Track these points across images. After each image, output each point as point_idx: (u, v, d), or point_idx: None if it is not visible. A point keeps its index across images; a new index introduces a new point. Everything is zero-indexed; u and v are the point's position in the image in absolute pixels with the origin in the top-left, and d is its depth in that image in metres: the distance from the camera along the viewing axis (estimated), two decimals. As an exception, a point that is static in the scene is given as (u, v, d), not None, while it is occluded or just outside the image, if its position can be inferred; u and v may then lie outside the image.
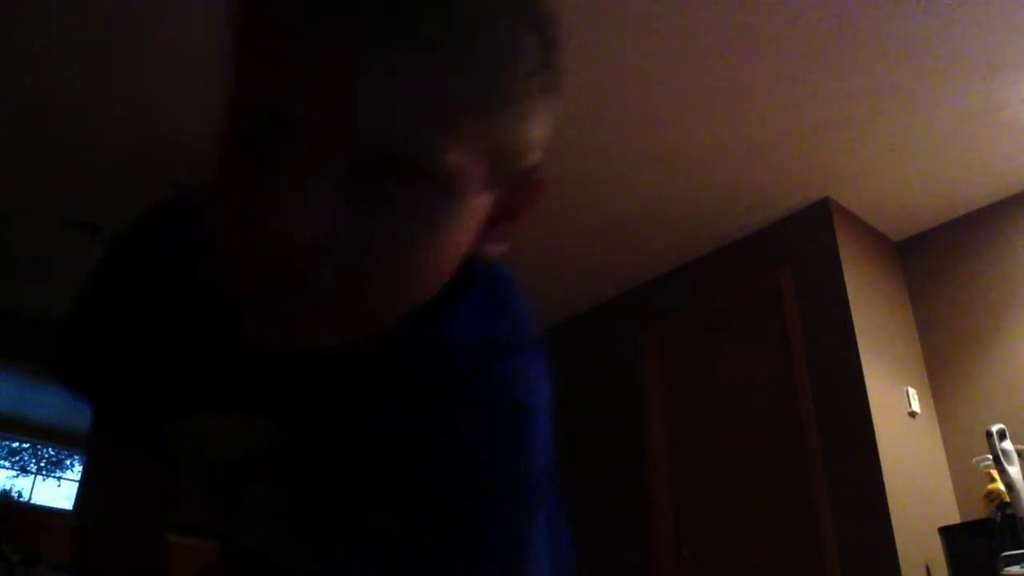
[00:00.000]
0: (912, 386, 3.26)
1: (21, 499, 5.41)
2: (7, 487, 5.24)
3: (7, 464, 5.29)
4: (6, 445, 5.18)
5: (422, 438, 0.53)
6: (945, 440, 3.26)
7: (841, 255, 3.26)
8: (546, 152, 0.50)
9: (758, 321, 3.54)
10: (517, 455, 0.54)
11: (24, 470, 5.61)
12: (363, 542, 0.56)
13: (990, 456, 2.51)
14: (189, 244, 0.55)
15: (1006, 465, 2.45)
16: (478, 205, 0.46)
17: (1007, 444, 2.50)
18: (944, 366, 3.36)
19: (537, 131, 0.47)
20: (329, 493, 0.57)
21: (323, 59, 0.39)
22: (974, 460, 2.79)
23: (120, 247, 0.62)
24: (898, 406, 3.14)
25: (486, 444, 0.53)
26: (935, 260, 3.52)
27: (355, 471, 0.56)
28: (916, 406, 3.20)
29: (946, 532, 2.73)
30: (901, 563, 2.72)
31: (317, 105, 0.39)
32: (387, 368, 0.53)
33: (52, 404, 4.81)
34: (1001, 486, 2.50)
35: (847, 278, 3.22)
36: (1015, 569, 2.31)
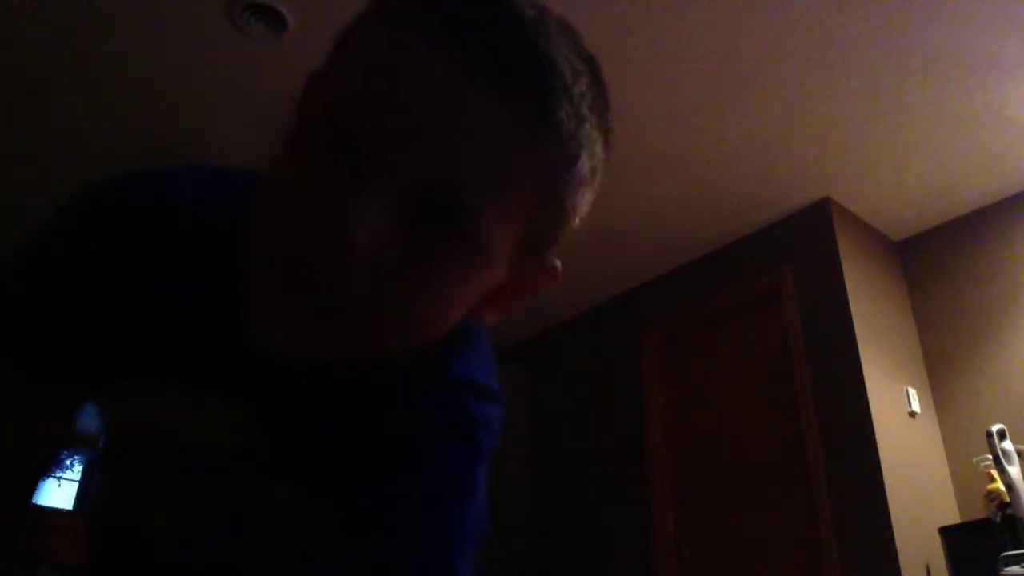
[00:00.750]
0: (912, 386, 3.25)
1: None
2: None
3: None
4: (6, 445, 5.18)
5: (389, 454, 0.57)
6: (945, 440, 3.26)
7: (841, 255, 3.26)
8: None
9: (758, 321, 3.54)
10: (463, 494, 0.59)
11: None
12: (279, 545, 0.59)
13: (990, 456, 2.51)
14: (165, 219, 0.54)
15: (1006, 465, 2.45)
16: (498, 275, 0.49)
17: (1007, 444, 2.50)
18: (944, 366, 3.36)
19: (577, 222, 0.51)
20: (275, 493, 0.59)
21: (424, 99, 0.41)
22: (974, 460, 2.79)
23: (92, 208, 0.58)
24: (898, 406, 3.14)
25: (442, 472, 0.58)
26: (935, 260, 3.52)
27: (307, 475, 0.58)
28: (916, 406, 3.20)
29: (946, 532, 2.72)
30: (901, 563, 2.72)
31: (407, 138, 0.41)
32: (377, 389, 0.56)
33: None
34: (1001, 486, 2.50)
35: (847, 278, 3.22)
36: (1015, 569, 2.31)
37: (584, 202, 0.50)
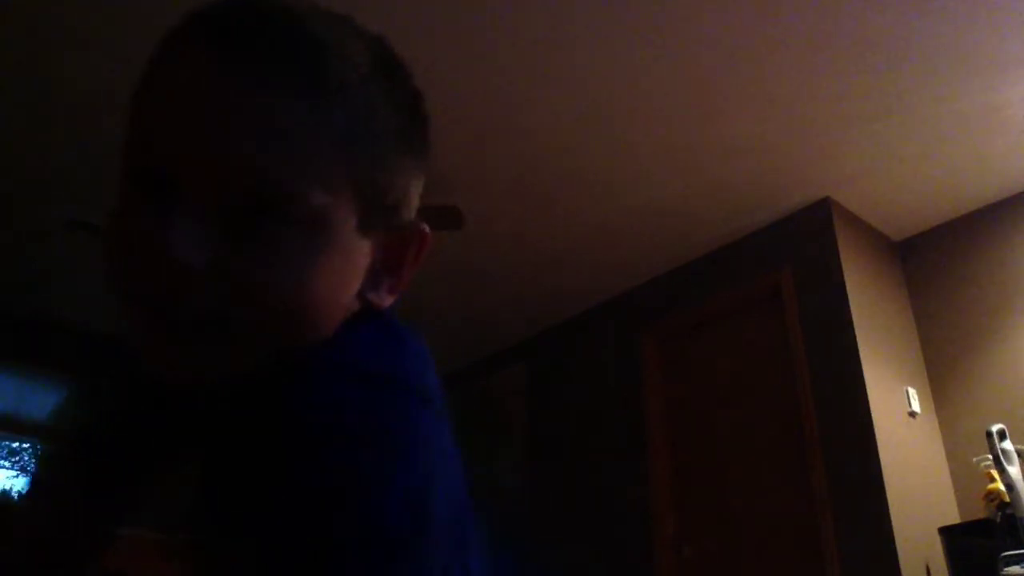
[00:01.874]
0: (912, 386, 3.25)
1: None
2: (7, 487, 5.23)
3: (7, 464, 5.29)
4: (6, 445, 5.18)
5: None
6: (945, 440, 3.26)
7: (841, 255, 3.26)
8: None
9: (758, 321, 3.54)
10: (262, 495, 0.43)
11: (24, 470, 5.61)
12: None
13: (990, 456, 2.51)
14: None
15: (1006, 465, 2.45)
16: (354, 249, 0.49)
17: (1007, 444, 2.50)
18: (944, 366, 3.36)
19: (405, 184, 0.52)
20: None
21: (200, 111, 0.44)
22: (974, 460, 2.79)
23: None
24: (898, 406, 3.14)
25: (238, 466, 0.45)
26: (935, 260, 3.52)
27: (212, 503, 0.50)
28: (916, 406, 3.20)
29: (946, 532, 2.73)
30: (901, 563, 2.72)
31: (194, 154, 0.44)
32: (253, 395, 0.47)
33: (52, 404, 4.80)
34: (1001, 486, 2.50)
35: (847, 278, 3.22)
36: (1015, 569, 2.31)
37: (404, 159, 0.51)
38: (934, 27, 2.53)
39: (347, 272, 0.49)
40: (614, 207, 3.50)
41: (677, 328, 3.87)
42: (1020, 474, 2.45)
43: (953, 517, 3.05)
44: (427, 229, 0.55)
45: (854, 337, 3.09)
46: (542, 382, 4.52)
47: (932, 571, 2.80)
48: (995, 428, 2.51)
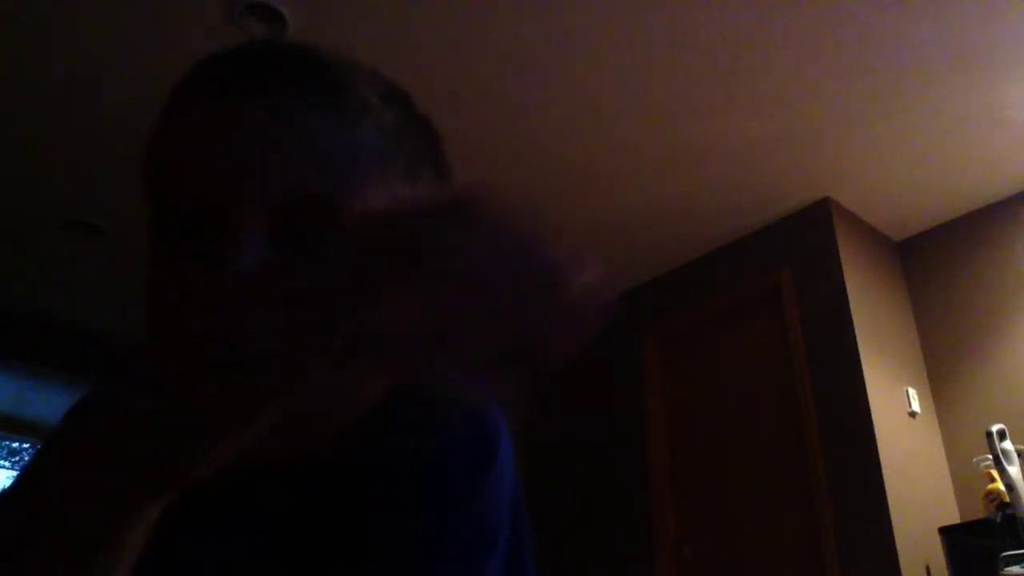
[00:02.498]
0: (912, 386, 3.26)
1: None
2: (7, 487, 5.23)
3: (7, 464, 5.29)
4: (6, 445, 5.19)
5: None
6: (945, 440, 3.26)
7: (841, 255, 3.26)
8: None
9: (758, 321, 3.54)
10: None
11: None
12: None
13: (990, 456, 2.51)
14: None
15: (1006, 465, 2.45)
16: None
17: (1007, 444, 2.50)
18: (944, 366, 3.36)
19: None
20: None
21: (232, 138, 0.43)
22: (974, 460, 2.79)
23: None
24: (898, 406, 3.14)
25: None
26: (935, 260, 3.53)
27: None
28: (916, 406, 3.20)
29: (946, 532, 2.73)
30: (901, 563, 2.72)
31: (237, 182, 0.42)
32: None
33: (52, 404, 4.81)
34: (1001, 486, 2.50)
35: (847, 278, 3.22)
36: (1015, 569, 2.31)
37: (429, 175, 0.51)
38: (934, 27, 2.53)
39: None
40: (614, 207, 3.50)
41: (677, 328, 3.87)
42: (1020, 474, 2.45)
43: (953, 517, 3.05)
44: None
45: (854, 337, 3.09)
46: (542, 382, 4.52)
47: (932, 571, 2.80)
48: (995, 428, 2.51)
